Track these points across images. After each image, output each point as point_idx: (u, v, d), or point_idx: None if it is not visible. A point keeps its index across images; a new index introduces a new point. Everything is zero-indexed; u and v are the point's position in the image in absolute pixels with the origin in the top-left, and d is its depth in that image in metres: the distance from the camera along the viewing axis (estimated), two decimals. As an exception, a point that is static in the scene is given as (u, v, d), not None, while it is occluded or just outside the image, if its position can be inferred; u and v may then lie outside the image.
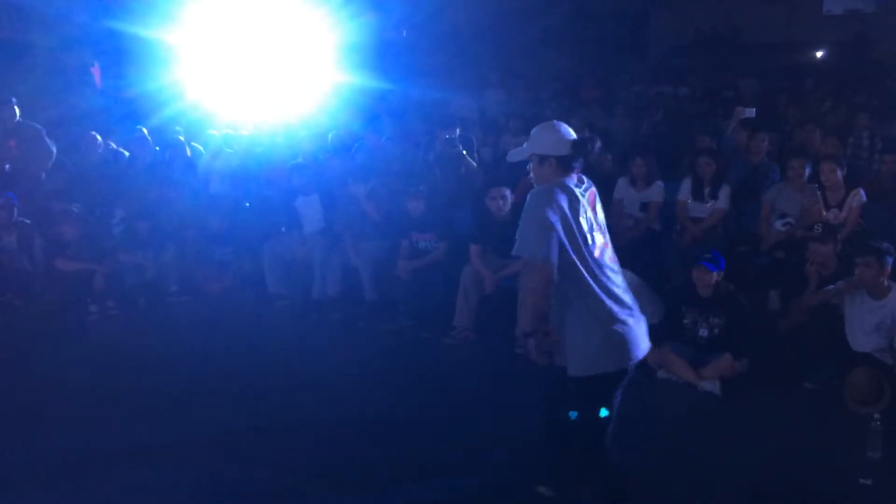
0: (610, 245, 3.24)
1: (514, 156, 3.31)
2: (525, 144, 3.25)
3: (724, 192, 6.44)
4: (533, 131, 3.25)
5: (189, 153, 8.10)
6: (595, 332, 3.04)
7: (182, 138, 8.25)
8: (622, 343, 3.06)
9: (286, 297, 6.82)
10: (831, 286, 5.13)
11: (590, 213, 3.16)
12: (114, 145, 8.11)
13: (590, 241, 3.09)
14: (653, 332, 5.28)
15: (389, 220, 6.55)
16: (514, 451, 4.07)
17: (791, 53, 13.57)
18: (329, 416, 4.62)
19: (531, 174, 3.24)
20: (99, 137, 8.01)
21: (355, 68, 9.50)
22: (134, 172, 7.76)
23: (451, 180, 7.06)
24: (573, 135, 3.17)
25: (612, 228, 6.57)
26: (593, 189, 3.27)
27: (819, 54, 13.87)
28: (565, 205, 3.04)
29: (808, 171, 6.10)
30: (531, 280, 3.00)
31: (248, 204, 7.37)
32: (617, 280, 3.16)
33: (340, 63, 9.42)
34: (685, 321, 5.25)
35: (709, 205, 6.47)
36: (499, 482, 3.86)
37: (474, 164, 7.31)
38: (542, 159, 3.15)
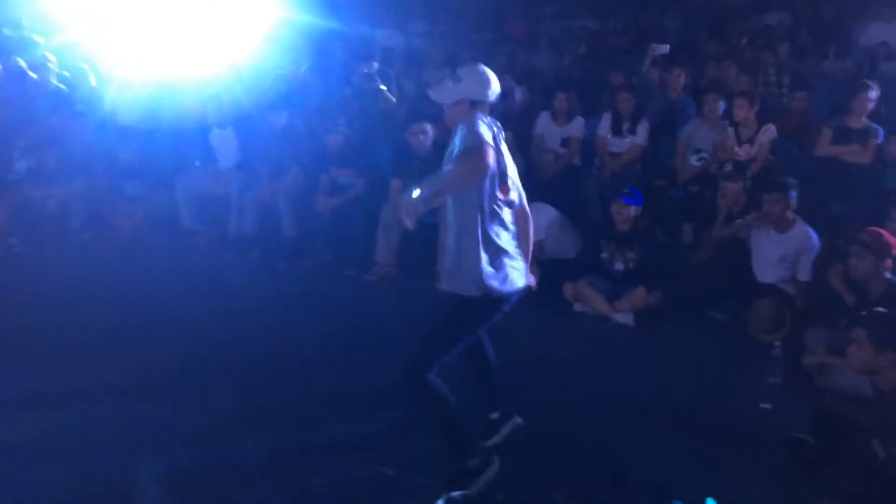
0: (517, 191, 3.29)
1: (441, 97, 3.22)
2: (452, 85, 3.17)
3: (643, 128, 6.52)
4: (463, 73, 3.18)
5: (94, 83, 7.63)
6: (491, 256, 3.18)
7: (86, 66, 7.74)
8: (511, 270, 3.23)
9: (202, 233, 6.63)
10: (740, 220, 5.33)
11: (506, 157, 3.20)
12: (23, 63, 7.43)
13: (505, 179, 3.17)
14: (571, 266, 5.46)
15: (308, 155, 6.39)
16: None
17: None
18: (249, 354, 4.56)
19: (446, 113, 3.23)
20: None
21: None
22: (34, 100, 7.26)
23: (370, 115, 6.91)
24: (498, 85, 3.21)
25: (534, 163, 6.62)
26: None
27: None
28: (493, 137, 3.06)
29: (722, 106, 6.24)
30: (464, 166, 2.97)
31: (159, 136, 7.03)
32: (512, 225, 3.28)
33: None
34: (603, 255, 5.37)
35: (627, 140, 6.55)
36: (422, 417, 3.90)
37: (393, 99, 7.16)
38: (461, 100, 3.14)
